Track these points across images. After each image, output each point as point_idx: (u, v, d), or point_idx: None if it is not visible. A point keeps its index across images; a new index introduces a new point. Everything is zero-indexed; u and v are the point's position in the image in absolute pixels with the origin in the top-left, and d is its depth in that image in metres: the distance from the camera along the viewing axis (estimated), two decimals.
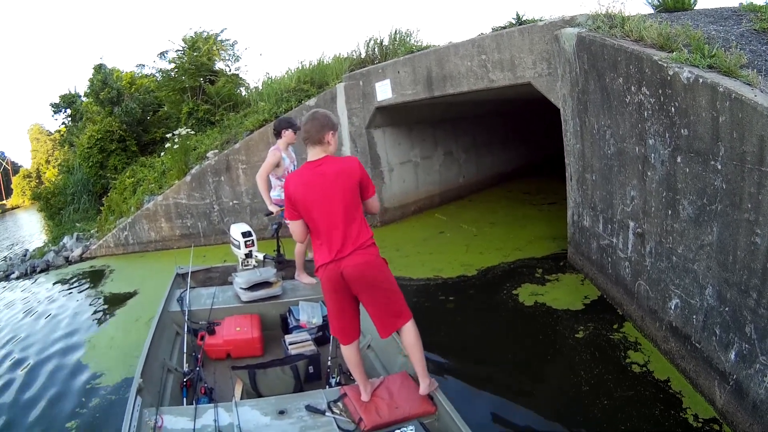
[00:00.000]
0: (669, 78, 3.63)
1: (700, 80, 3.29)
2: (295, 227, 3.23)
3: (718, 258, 3.35)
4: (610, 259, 5.39)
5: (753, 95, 2.90)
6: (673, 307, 4.05)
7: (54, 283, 10.07)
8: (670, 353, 4.17)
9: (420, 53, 8.59)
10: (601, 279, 5.71)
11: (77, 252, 12.11)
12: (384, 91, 9.31)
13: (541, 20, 6.66)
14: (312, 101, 10.22)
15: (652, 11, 6.04)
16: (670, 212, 3.96)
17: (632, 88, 4.28)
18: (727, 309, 3.30)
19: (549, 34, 6.27)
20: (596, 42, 4.89)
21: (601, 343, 4.67)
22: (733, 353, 3.26)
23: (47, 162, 39.50)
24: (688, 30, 4.02)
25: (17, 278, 11.38)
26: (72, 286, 9.50)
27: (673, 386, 3.89)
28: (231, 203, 10.89)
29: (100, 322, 7.07)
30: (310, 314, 4.59)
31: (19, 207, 49.99)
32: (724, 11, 5.09)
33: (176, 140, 11.83)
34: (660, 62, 3.71)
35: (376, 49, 11.23)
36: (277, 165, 5.74)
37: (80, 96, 20.32)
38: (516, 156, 14.24)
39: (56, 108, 21.59)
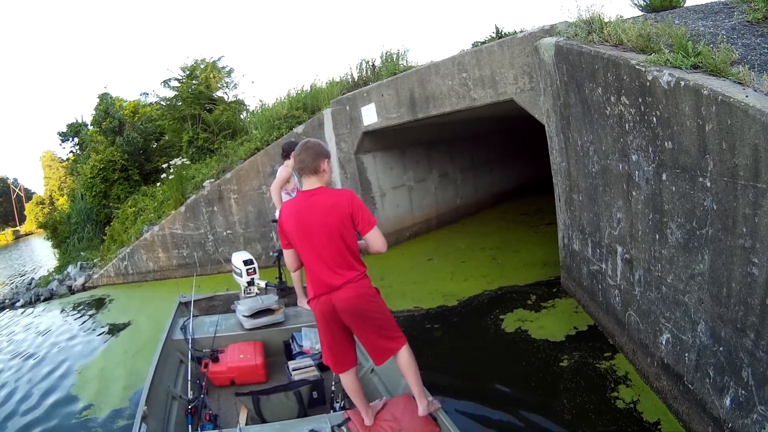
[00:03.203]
0: (648, 84, 3.20)
1: (682, 83, 2.84)
2: (287, 256, 3.26)
3: (710, 290, 2.88)
4: (600, 286, 4.92)
5: (743, 96, 2.45)
6: (664, 343, 3.57)
7: (54, 313, 10.28)
8: (663, 392, 3.69)
9: (402, 74, 8.25)
10: (593, 307, 5.24)
11: (80, 281, 12.30)
12: (369, 116, 9.02)
13: (520, 32, 6.27)
14: (300, 128, 10.01)
15: (639, 13, 5.64)
16: (657, 237, 3.50)
17: (611, 98, 3.85)
18: (721, 349, 2.82)
19: (529, 46, 5.89)
20: (573, 50, 4.48)
21: (589, 373, 4.34)
22: (729, 399, 2.78)
23: (60, 189, 39.70)
24: (670, 28, 3.58)
25: (22, 306, 11.73)
26: (71, 316, 9.68)
27: (663, 428, 3.47)
28: (225, 233, 10.82)
29: (91, 352, 7.14)
30: (312, 340, 4.61)
31: (32, 233, 50.47)
32: (715, 5, 4.65)
33: (171, 171, 11.94)
34: (638, 66, 3.28)
35: (368, 71, 10.95)
36: (287, 180, 6.04)
37: (87, 125, 20.56)
38: (516, 174, 13.87)
39: (63, 137, 22.02)
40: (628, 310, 4.20)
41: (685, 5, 5.42)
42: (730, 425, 2.75)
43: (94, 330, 8.27)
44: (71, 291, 12.10)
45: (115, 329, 8.08)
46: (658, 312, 3.60)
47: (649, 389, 3.90)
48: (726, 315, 2.73)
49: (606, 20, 4.40)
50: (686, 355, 3.24)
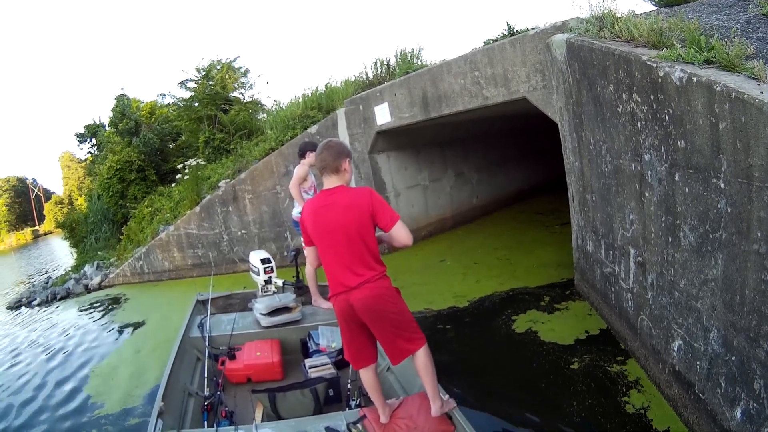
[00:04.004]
0: (660, 80, 3.06)
1: (694, 79, 2.71)
2: (308, 253, 3.37)
3: (723, 297, 2.74)
4: (613, 289, 4.78)
5: (758, 93, 2.30)
6: (676, 349, 3.43)
7: (70, 311, 10.41)
8: (674, 400, 3.56)
9: (415, 73, 8.16)
10: (606, 310, 5.10)
11: (96, 280, 12.53)
12: (383, 115, 8.95)
13: (532, 29, 6.14)
14: (314, 128, 9.98)
15: (652, 7, 5.47)
16: (670, 239, 3.36)
17: (623, 95, 3.71)
18: (733, 359, 2.68)
19: (541, 44, 5.77)
20: (585, 47, 4.34)
21: (600, 377, 4.25)
22: (740, 411, 2.64)
23: (78, 189, 40.21)
24: (682, 22, 3.43)
25: (38, 305, 11.94)
26: (86, 315, 9.77)
27: None
28: (239, 233, 10.86)
29: (106, 351, 7.20)
30: (329, 338, 4.64)
31: (51, 233, 51.33)
32: None
33: (186, 171, 12.14)
34: (649, 63, 3.14)
35: (383, 71, 10.88)
36: (305, 179, 6.10)
37: (104, 126, 20.75)
38: (533, 173, 13.67)
39: (81, 138, 22.24)
40: (641, 314, 4.06)
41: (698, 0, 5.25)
42: None
43: (109, 328, 8.35)
44: (87, 290, 12.27)
45: (129, 328, 8.16)
46: (671, 317, 3.47)
47: (660, 396, 3.77)
48: (739, 323, 2.59)
49: (618, 16, 4.25)
50: (698, 363, 3.10)
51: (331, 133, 9.63)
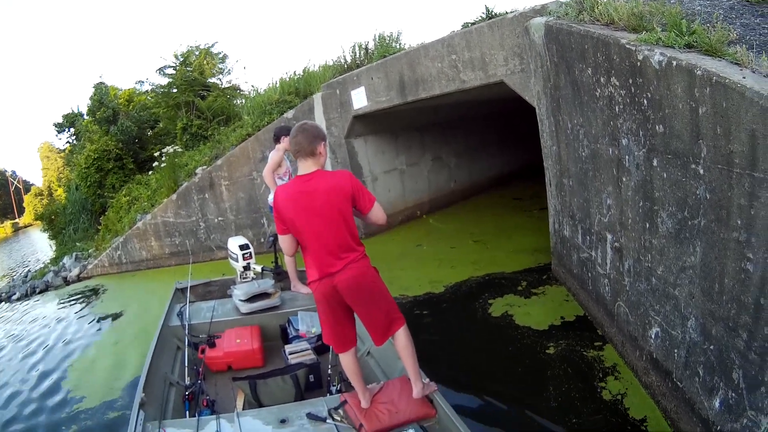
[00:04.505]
0: (639, 63, 2.99)
1: (674, 63, 2.64)
2: (284, 241, 3.20)
3: (702, 285, 2.70)
4: (590, 275, 4.76)
5: (740, 78, 2.24)
6: (653, 337, 3.41)
7: (49, 305, 10.22)
8: (651, 387, 3.56)
9: (392, 57, 8.03)
10: (583, 295, 5.09)
11: (75, 272, 12.32)
12: (359, 99, 8.83)
13: (511, 12, 6.04)
14: (290, 113, 9.86)
15: None
16: (647, 225, 3.32)
17: (601, 79, 3.64)
18: (712, 348, 2.65)
19: (519, 27, 5.68)
20: (563, 30, 4.27)
21: (577, 362, 4.26)
22: (718, 401, 2.62)
23: (58, 180, 39.34)
24: (664, 6, 3.36)
25: (18, 299, 11.75)
26: (65, 307, 9.63)
27: (650, 426, 3.34)
28: (216, 220, 10.74)
29: (84, 343, 7.08)
30: (309, 324, 4.60)
31: (31, 225, 50.28)
32: None
33: (163, 159, 12.00)
34: (628, 46, 3.07)
35: (361, 55, 10.70)
36: (279, 165, 5.97)
37: (83, 115, 20.47)
38: (513, 158, 13.66)
39: (60, 128, 21.92)
40: (618, 300, 4.05)
41: None
42: (718, 428, 2.59)
43: (88, 321, 8.21)
44: (66, 282, 12.06)
45: (107, 319, 8.05)
46: (648, 304, 3.44)
47: (638, 383, 3.77)
48: (717, 312, 2.56)
49: None
50: (675, 351, 3.08)
51: (308, 118, 9.45)
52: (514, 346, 4.73)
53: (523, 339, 4.81)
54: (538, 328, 4.94)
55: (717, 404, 2.61)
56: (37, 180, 56.19)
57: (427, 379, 3.22)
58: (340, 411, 3.15)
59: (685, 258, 2.87)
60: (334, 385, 3.69)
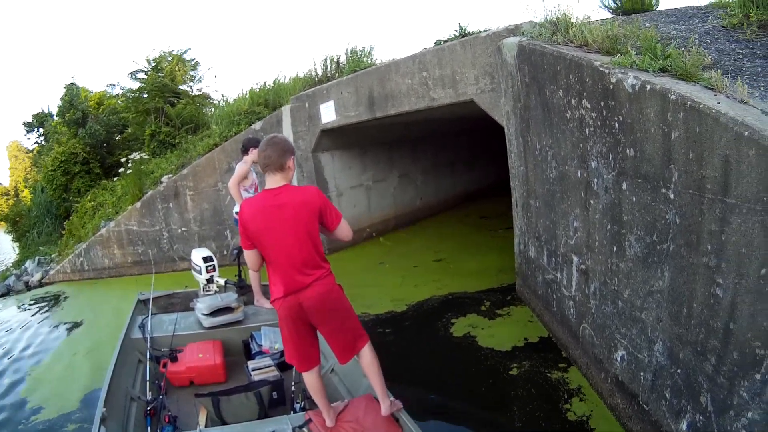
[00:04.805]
0: (611, 86, 3.01)
1: (647, 87, 2.66)
2: (249, 256, 3.14)
3: (669, 309, 2.70)
4: (555, 296, 4.76)
5: (714, 103, 2.26)
6: (619, 359, 3.40)
7: (8, 310, 9.88)
8: (617, 409, 3.54)
9: (362, 72, 7.99)
10: (547, 316, 5.09)
11: (37, 277, 11.94)
12: (328, 113, 8.73)
13: (485, 31, 6.08)
14: (258, 125, 9.71)
15: (609, 15, 5.50)
16: (615, 248, 3.33)
17: (573, 101, 3.66)
18: (679, 371, 2.64)
19: (492, 46, 5.70)
20: (536, 51, 4.29)
21: (541, 383, 4.23)
22: (686, 423, 2.61)
23: (25, 181, 38.13)
24: (639, 30, 3.40)
25: None
26: (25, 313, 9.28)
27: None
28: (180, 230, 10.47)
29: (43, 352, 6.83)
30: (272, 339, 4.53)
31: None
32: (689, 10, 4.51)
33: (129, 165, 11.67)
34: (601, 68, 3.09)
35: (333, 68, 10.69)
36: (245, 177, 5.85)
37: (52, 115, 19.93)
38: (481, 176, 13.77)
39: (29, 127, 21.36)
40: (583, 322, 4.04)
41: (657, 9, 5.30)
42: None
43: (47, 329, 7.91)
44: (28, 287, 11.66)
45: (67, 328, 7.76)
46: (614, 327, 3.44)
47: (603, 405, 3.75)
48: (685, 336, 2.55)
49: (573, 21, 4.22)
50: (642, 374, 3.07)
51: (276, 130, 9.35)
52: (477, 366, 4.68)
53: (487, 360, 4.76)
54: (501, 349, 4.90)
55: (684, 427, 2.60)
56: (4, 179, 54.52)
57: (393, 397, 3.17)
58: (305, 429, 3.10)
59: (652, 282, 2.86)
60: (298, 403, 3.62)
